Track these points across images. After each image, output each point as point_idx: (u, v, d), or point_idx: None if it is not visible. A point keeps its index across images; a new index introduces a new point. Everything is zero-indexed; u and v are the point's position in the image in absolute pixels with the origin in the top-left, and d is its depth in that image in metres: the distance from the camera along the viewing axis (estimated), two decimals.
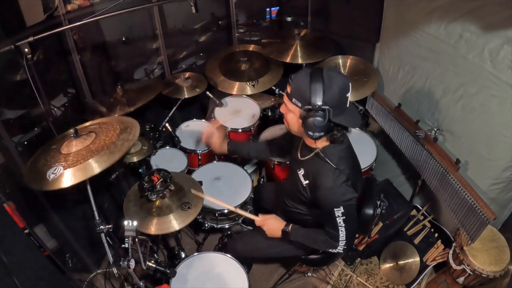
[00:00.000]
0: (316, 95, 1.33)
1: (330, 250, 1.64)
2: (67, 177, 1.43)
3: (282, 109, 1.53)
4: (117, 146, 1.53)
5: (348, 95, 1.41)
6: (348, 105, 1.44)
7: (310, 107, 1.35)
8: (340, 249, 1.61)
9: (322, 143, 1.53)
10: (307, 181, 1.61)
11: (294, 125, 1.50)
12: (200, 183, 2.07)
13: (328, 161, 1.47)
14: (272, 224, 1.76)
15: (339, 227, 1.52)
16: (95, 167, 1.46)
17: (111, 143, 1.55)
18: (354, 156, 1.64)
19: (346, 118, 1.42)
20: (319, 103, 1.34)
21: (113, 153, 1.50)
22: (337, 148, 1.52)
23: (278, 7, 3.22)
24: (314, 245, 1.70)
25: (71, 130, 1.56)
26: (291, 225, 1.73)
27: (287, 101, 1.46)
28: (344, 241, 1.57)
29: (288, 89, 1.44)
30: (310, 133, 1.40)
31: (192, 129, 2.77)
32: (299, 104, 1.40)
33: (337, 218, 1.49)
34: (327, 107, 1.34)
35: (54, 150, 1.59)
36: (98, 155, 1.49)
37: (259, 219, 1.79)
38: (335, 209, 1.47)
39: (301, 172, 1.63)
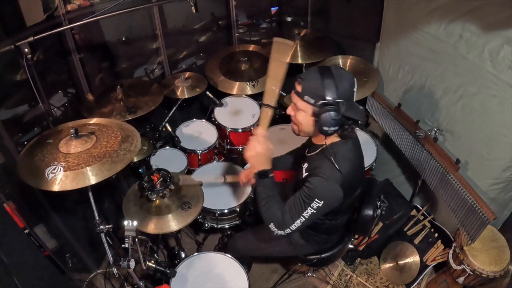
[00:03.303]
0: (330, 90, 1.36)
1: (271, 227, 1.52)
2: (67, 180, 1.42)
3: (290, 110, 1.52)
4: (119, 155, 1.53)
5: (355, 90, 1.44)
6: (354, 100, 1.46)
7: (325, 101, 1.37)
8: (280, 233, 1.51)
9: (330, 139, 1.52)
10: (307, 173, 1.59)
11: (307, 124, 1.49)
12: (200, 183, 2.07)
13: (331, 158, 1.46)
14: (266, 153, 1.52)
15: (302, 215, 1.47)
16: (97, 175, 1.45)
17: (113, 151, 1.54)
18: (360, 160, 1.61)
19: (356, 112, 1.45)
20: (334, 97, 1.36)
21: (116, 162, 1.50)
22: (344, 147, 1.51)
23: (278, 7, 3.23)
24: (266, 211, 1.52)
25: (71, 130, 1.55)
26: (272, 174, 1.54)
27: (297, 100, 1.45)
28: (292, 230, 1.50)
29: (298, 88, 1.43)
30: (325, 128, 1.39)
31: (192, 129, 2.77)
32: (312, 101, 1.40)
33: (309, 209, 1.45)
34: (341, 100, 1.37)
35: (51, 145, 1.57)
36: (100, 162, 1.48)
37: (261, 134, 1.54)
38: (316, 199, 1.43)
39: (305, 166, 1.62)
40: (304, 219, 1.48)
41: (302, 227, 1.51)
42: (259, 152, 1.51)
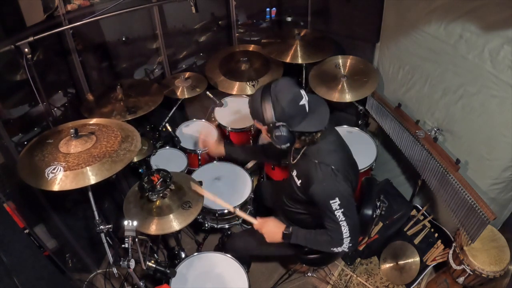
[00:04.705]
0: (268, 114, 1.43)
1: (335, 249, 1.57)
2: (67, 180, 1.42)
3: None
4: (119, 155, 1.53)
5: (302, 102, 1.44)
6: (308, 110, 1.47)
7: (266, 125, 1.45)
8: (345, 246, 1.55)
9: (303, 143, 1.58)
10: (300, 181, 1.62)
11: (269, 140, 1.56)
12: (200, 183, 2.07)
13: (315, 159, 1.51)
14: (271, 227, 1.71)
15: (340, 222, 1.49)
16: (97, 175, 1.45)
17: (113, 151, 1.54)
18: (344, 148, 1.64)
19: (309, 123, 1.47)
20: (273, 120, 1.42)
21: (116, 162, 1.50)
22: (324, 142, 1.54)
23: (275, 8, 3.22)
24: (318, 247, 1.64)
25: (71, 130, 1.55)
26: (291, 227, 1.68)
27: (253, 121, 1.55)
28: (349, 238, 1.52)
29: (249, 111, 1.53)
30: (278, 146, 1.49)
31: (192, 129, 2.77)
32: (260, 124, 1.50)
33: (336, 212, 1.47)
34: (281, 122, 1.42)
35: (51, 145, 1.58)
36: (100, 162, 1.48)
37: (257, 223, 1.75)
38: (331, 202, 1.45)
39: (294, 173, 1.66)
40: (345, 222, 1.50)
41: (354, 226, 1.53)
42: (269, 231, 1.70)
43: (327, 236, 1.57)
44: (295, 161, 1.66)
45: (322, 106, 1.55)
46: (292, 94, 1.42)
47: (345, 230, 1.51)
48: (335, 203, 1.46)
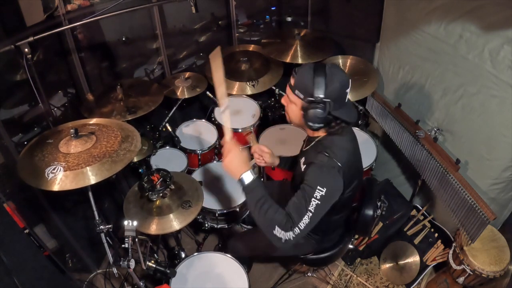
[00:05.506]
0: (319, 88, 1.39)
1: (278, 233, 1.39)
2: (67, 180, 1.42)
3: (284, 100, 1.57)
4: (119, 155, 1.53)
5: (348, 91, 1.45)
6: (346, 101, 1.48)
7: (312, 99, 1.41)
8: (289, 235, 1.38)
9: (321, 133, 1.57)
10: (304, 166, 1.58)
11: (296, 116, 1.53)
12: (200, 183, 2.07)
13: (326, 150, 1.47)
14: (237, 159, 1.48)
15: (308, 209, 1.39)
16: (97, 175, 1.45)
17: (113, 151, 1.54)
18: (356, 153, 1.62)
19: (345, 113, 1.47)
20: (321, 95, 1.40)
21: (116, 162, 1.50)
22: (339, 139, 1.53)
23: (276, 7, 3.23)
24: (262, 219, 1.42)
25: (71, 130, 1.55)
26: (257, 180, 1.49)
27: (289, 93, 1.50)
28: (299, 230, 1.38)
29: (292, 81, 1.48)
30: (310, 123, 1.46)
31: (192, 129, 2.77)
32: (301, 96, 1.44)
33: (313, 200, 1.39)
34: (329, 100, 1.40)
35: (51, 145, 1.58)
36: (100, 162, 1.48)
37: (229, 141, 1.51)
38: (318, 187, 1.39)
39: (302, 160, 1.63)
40: (311, 214, 1.40)
41: (310, 226, 1.41)
42: (232, 161, 1.48)
43: (283, 216, 1.40)
44: (306, 148, 1.64)
45: (352, 104, 1.57)
46: (344, 78, 1.44)
47: (305, 219, 1.39)
48: (320, 192, 1.39)
